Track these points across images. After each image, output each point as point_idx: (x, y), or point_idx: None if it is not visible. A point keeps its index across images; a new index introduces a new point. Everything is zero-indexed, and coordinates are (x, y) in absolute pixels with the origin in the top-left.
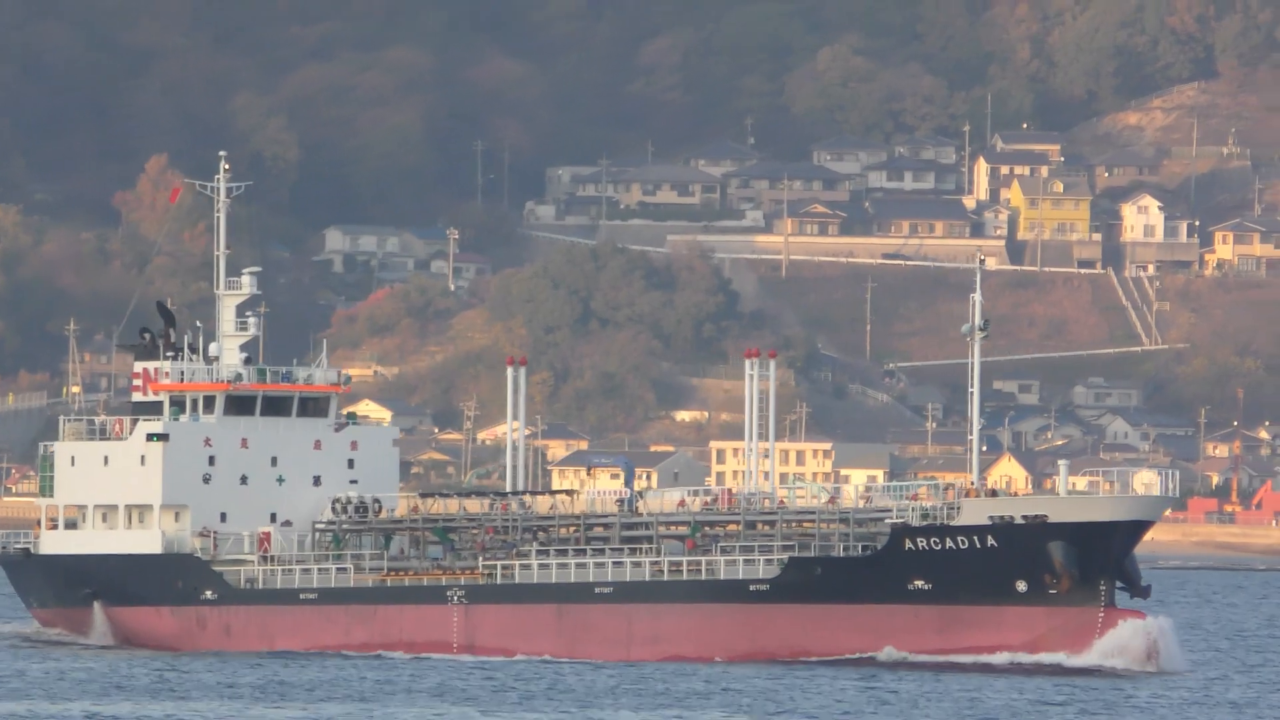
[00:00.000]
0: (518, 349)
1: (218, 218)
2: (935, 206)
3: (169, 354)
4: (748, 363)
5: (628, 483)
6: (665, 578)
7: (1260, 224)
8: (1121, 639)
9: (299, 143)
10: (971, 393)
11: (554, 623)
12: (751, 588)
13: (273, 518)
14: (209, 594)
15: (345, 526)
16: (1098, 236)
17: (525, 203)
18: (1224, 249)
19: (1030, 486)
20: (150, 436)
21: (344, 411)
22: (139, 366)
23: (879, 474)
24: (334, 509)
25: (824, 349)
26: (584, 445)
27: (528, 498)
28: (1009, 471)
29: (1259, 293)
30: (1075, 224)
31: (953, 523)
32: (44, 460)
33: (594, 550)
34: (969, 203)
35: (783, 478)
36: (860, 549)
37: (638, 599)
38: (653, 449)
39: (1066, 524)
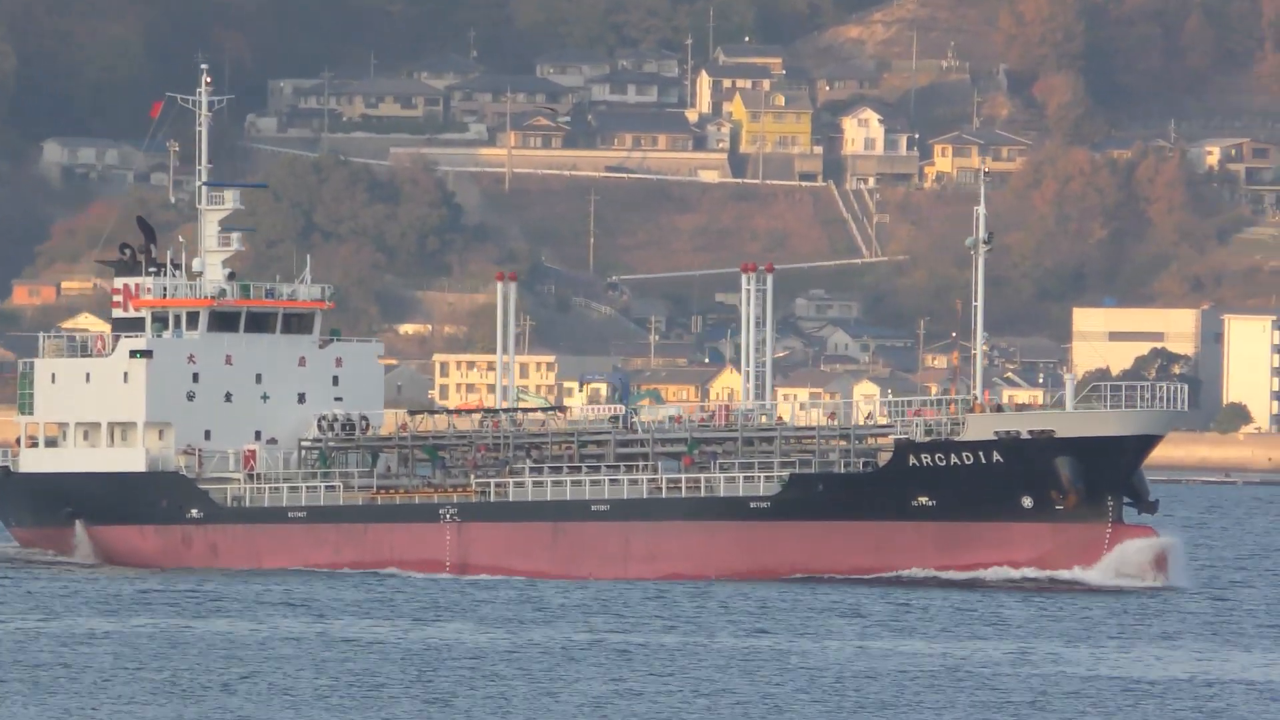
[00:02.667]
0: (238, 262)
1: (199, 132)
2: (658, 120)
3: (151, 270)
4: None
5: (622, 398)
6: (663, 495)
7: (979, 137)
8: (1128, 555)
9: (16, 54)
10: (975, 305)
11: (549, 541)
12: (752, 505)
13: (257, 435)
14: (194, 513)
15: (332, 444)
16: (819, 150)
17: (246, 115)
18: (943, 162)
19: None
20: (134, 353)
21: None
22: (119, 282)
23: (601, 387)
24: (320, 426)
25: (547, 262)
26: None
27: (519, 415)
28: (731, 383)
29: (977, 205)
30: (797, 137)
31: (957, 438)
32: (23, 377)
33: (588, 467)
34: (691, 116)
35: (505, 391)
36: (861, 466)
37: (635, 516)
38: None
39: (1073, 439)
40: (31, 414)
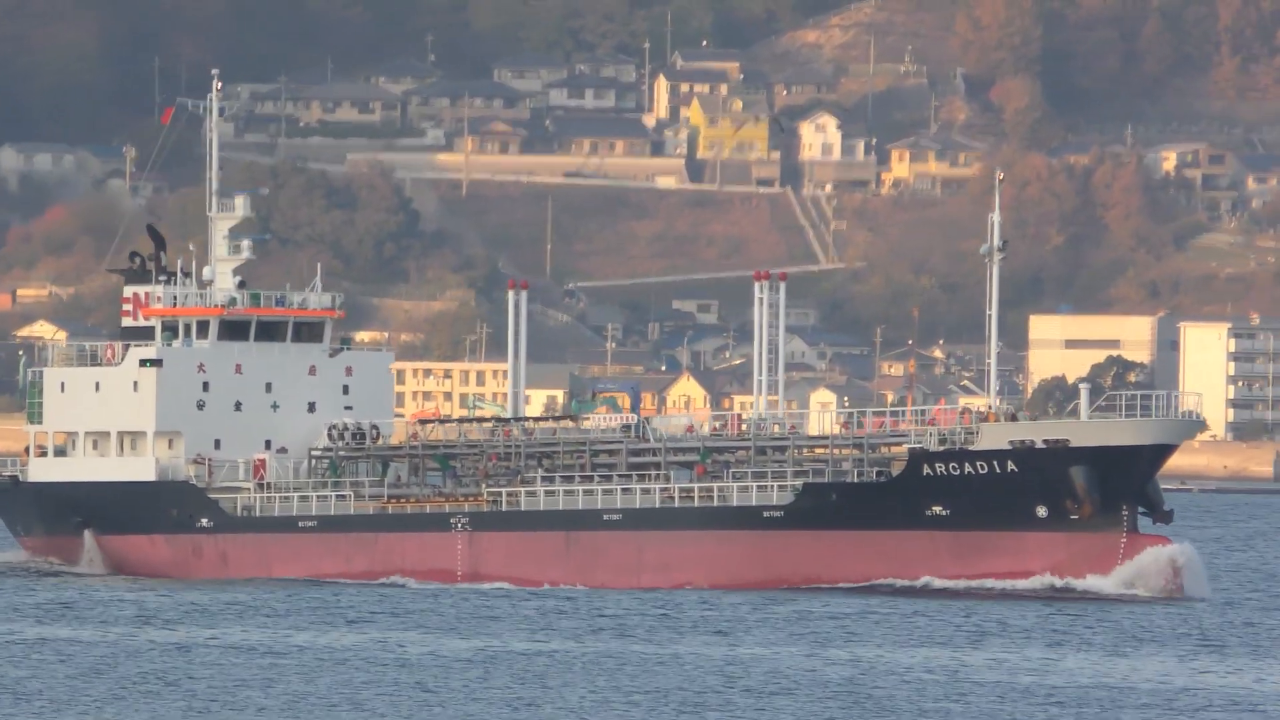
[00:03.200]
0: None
1: (210, 138)
2: (616, 125)
3: (161, 278)
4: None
5: (634, 408)
6: (676, 504)
7: (936, 142)
8: (1143, 565)
9: None
10: (989, 315)
11: (562, 550)
12: (765, 514)
13: (267, 444)
14: (205, 522)
15: (342, 453)
16: (776, 155)
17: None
18: (900, 167)
19: (709, 406)
20: (143, 362)
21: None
22: (129, 291)
23: (559, 394)
24: (330, 435)
25: (504, 268)
26: None
27: (530, 423)
28: (688, 391)
29: (934, 211)
30: (754, 143)
31: (972, 447)
32: (32, 386)
33: (600, 477)
34: (649, 121)
35: (462, 398)
36: (875, 475)
37: (648, 526)
38: None
39: (1089, 448)
40: (40, 423)
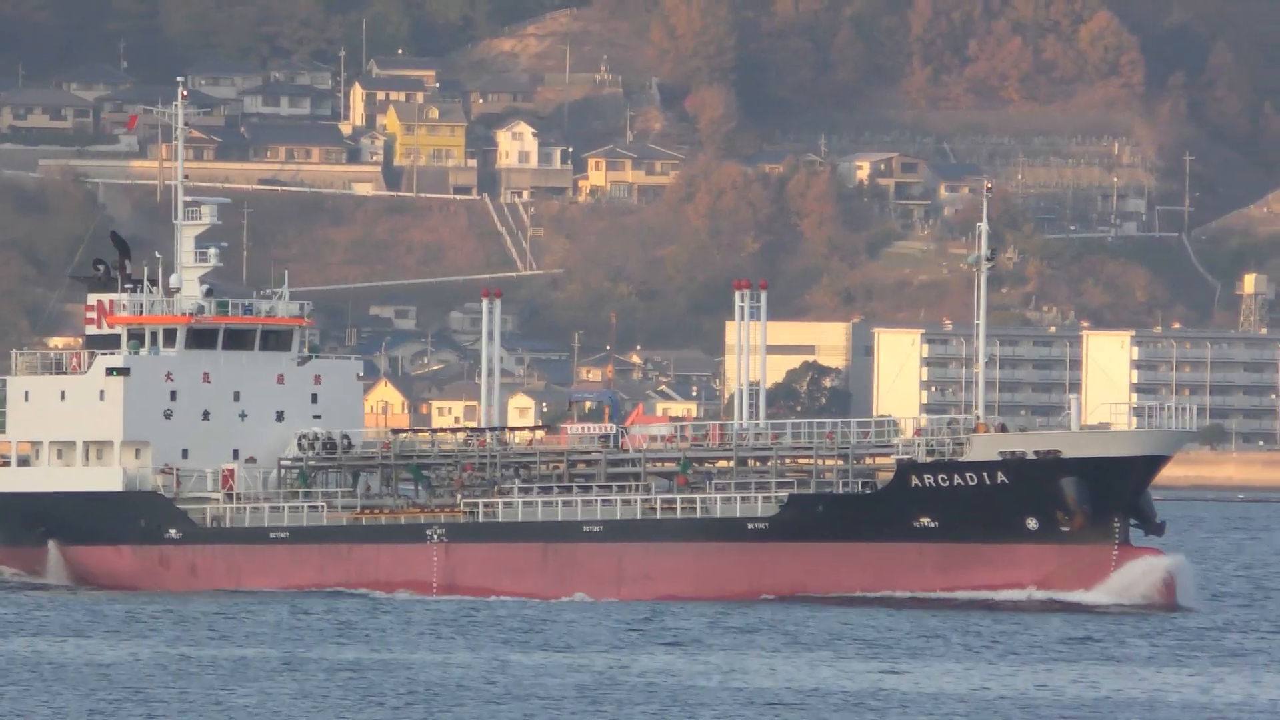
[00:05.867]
0: None
1: (176, 145)
2: (312, 132)
3: (127, 286)
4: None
5: (613, 417)
6: (658, 515)
7: (632, 150)
8: (1134, 577)
9: None
10: (977, 324)
11: (540, 561)
12: (750, 526)
13: (235, 454)
14: (173, 532)
15: (312, 463)
16: (473, 163)
17: None
18: (597, 175)
19: (407, 412)
20: (111, 371)
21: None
22: (93, 299)
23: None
24: (300, 445)
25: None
26: None
27: (505, 433)
28: (386, 396)
29: (631, 219)
30: (451, 150)
31: (961, 458)
32: None
33: (579, 487)
34: (345, 128)
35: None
36: (860, 486)
37: (629, 537)
38: None
39: (1080, 459)
40: (3, 432)
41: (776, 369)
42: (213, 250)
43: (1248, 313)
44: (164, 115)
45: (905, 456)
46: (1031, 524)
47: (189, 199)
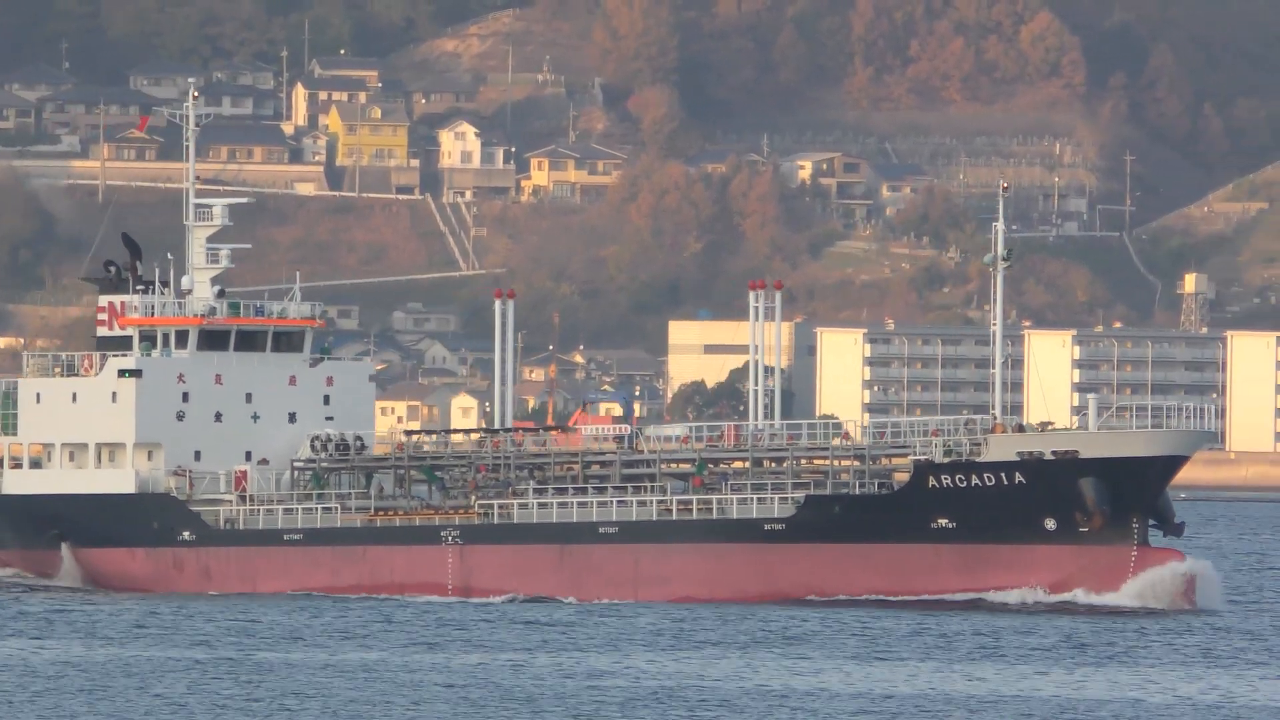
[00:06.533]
0: None
1: (187, 147)
2: (254, 132)
3: (138, 287)
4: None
5: (627, 417)
6: (674, 517)
7: (574, 150)
8: (1155, 578)
9: None
10: (994, 330)
11: (556, 563)
12: (766, 527)
13: (248, 456)
14: (186, 535)
15: (325, 465)
16: (416, 163)
17: None
18: (540, 175)
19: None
20: (123, 373)
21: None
22: (104, 300)
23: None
24: (313, 447)
25: (145, 276)
26: None
27: (518, 435)
28: None
29: (574, 219)
30: (394, 150)
31: (978, 459)
32: (6, 397)
33: (594, 489)
34: (288, 129)
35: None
36: (876, 487)
37: (645, 539)
38: None
39: (1099, 459)
40: (15, 434)
41: (719, 368)
42: (224, 251)
43: (1188, 312)
44: (176, 115)
45: (922, 457)
46: (1050, 525)
47: (198, 201)
